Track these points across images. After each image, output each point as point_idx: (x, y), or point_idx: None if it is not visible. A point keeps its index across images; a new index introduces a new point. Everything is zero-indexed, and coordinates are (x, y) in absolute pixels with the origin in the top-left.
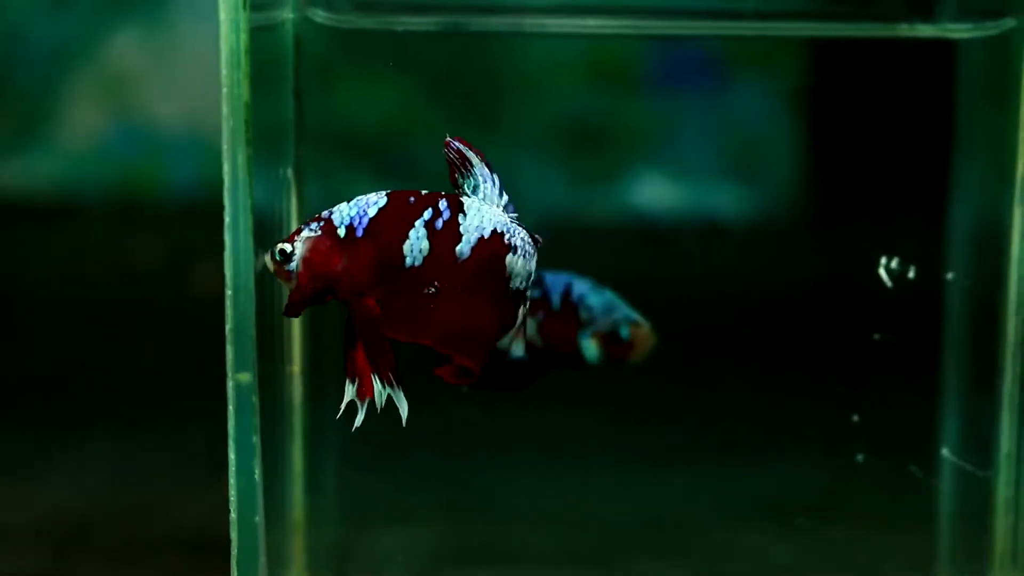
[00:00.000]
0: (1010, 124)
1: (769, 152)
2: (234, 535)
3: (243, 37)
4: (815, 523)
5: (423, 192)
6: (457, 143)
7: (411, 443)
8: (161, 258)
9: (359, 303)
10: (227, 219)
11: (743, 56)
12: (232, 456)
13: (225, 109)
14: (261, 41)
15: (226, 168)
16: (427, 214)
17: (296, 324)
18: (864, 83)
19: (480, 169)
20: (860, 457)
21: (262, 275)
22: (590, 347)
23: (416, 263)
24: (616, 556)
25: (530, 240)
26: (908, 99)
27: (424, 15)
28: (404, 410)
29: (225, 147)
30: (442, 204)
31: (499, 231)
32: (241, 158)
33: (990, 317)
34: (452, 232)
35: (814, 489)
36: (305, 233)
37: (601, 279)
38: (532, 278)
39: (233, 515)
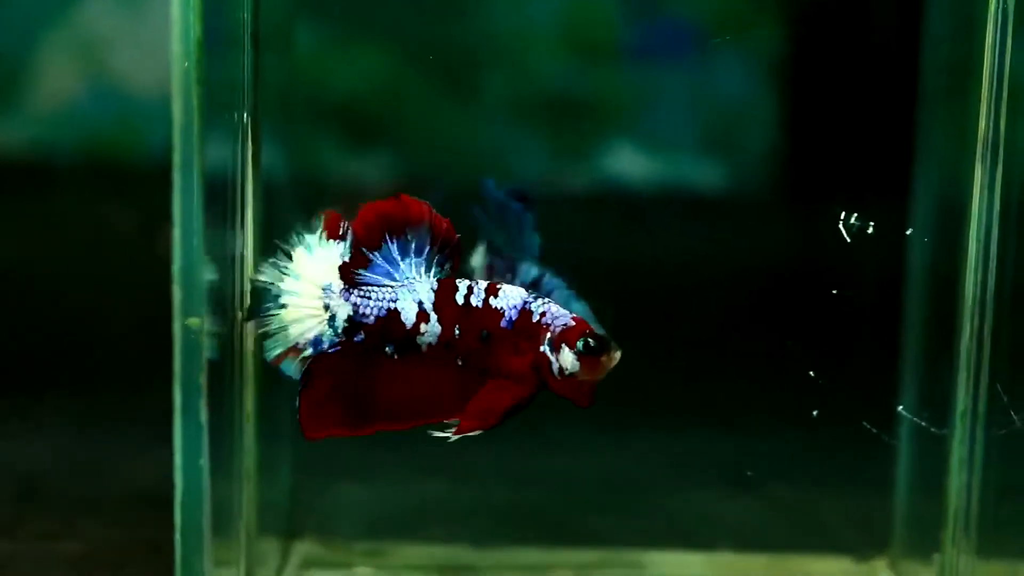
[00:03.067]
0: (973, 83)
1: (745, 123)
2: (178, 479)
3: None
4: (772, 484)
5: None
6: None
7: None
8: (133, 222)
9: None
10: (176, 159)
11: (721, 27)
12: (178, 398)
13: (176, 48)
14: None
15: (176, 109)
16: None
17: (250, 267)
18: (837, 53)
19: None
20: (816, 413)
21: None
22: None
23: None
24: (570, 515)
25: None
26: (877, 64)
27: None
28: None
29: (176, 84)
30: None
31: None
32: (194, 100)
33: (950, 276)
34: None
35: (772, 450)
36: None
37: (578, 248)
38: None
39: (177, 458)
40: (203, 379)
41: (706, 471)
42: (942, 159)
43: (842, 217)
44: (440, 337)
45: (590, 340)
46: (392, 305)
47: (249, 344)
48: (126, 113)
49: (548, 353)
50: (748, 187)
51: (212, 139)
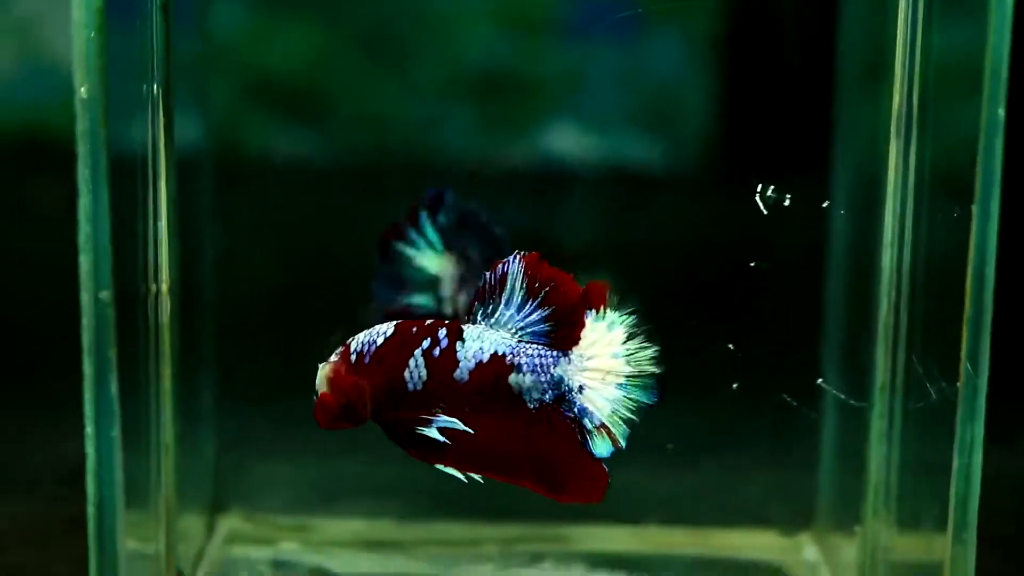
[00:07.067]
0: (888, 61)
1: (680, 101)
2: (90, 450)
3: None
4: (697, 458)
5: (427, 323)
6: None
7: (292, 379)
8: (62, 202)
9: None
10: (79, 129)
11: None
12: (88, 369)
13: (77, 16)
14: None
15: (78, 79)
16: (425, 343)
17: (165, 240)
18: (761, 32)
19: (506, 296)
20: (736, 385)
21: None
22: None
23: (417, 387)
24: (495, 490)
25: (547, 353)
26: (799, 43)
27: None
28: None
29: (77, 53)
30: (441, 333)
31: (500, 353)
32: (96, 70)
33: (868, 250)
34: (450, 359)
35: (695, 424)
36: (330, 358)
37: (514, 224)
38: (556, 387)
39: (89, 429)
40: (113, 352)
41: (630, 446)
42: (861, 136)
43: (759, 190)
44: None
45: None
46: None
47: (165, 319)
48: (60, 92)
49: None
50: (682, 164)
51: (120, 111)
